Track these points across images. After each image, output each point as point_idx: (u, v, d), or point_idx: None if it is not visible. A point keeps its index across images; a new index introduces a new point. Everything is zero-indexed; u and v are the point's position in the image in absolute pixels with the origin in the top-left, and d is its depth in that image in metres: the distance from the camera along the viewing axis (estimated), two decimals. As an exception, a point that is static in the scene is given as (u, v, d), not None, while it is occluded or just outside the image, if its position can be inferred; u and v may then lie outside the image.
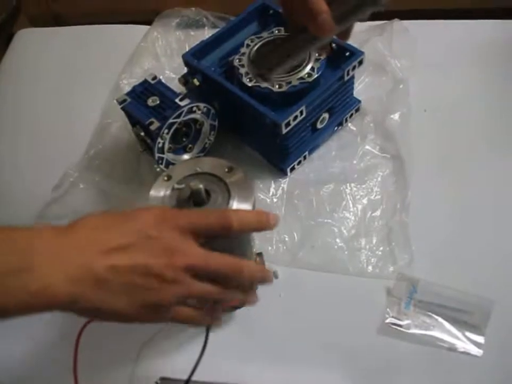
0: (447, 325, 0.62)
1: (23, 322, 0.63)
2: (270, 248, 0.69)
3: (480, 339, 0.61)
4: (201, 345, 0.55)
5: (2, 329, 0.65)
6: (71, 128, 0.84)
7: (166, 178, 0.52)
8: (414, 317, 0.63)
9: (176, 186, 0.50)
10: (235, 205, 0.50)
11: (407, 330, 0.62)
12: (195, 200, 0.50)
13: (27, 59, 0.98)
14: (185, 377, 0.53)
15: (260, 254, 0.63)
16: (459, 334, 0.62)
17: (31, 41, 1.01)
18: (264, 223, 0.47)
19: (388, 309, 0.63)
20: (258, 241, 0.68)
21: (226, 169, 0.52)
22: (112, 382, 0.61)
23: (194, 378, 0.54)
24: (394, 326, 0.63)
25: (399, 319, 0.63)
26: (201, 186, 0.48)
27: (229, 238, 0.48)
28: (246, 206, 0.50)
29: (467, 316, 0.62)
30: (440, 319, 0.63)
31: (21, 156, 0.83)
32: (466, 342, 0.61)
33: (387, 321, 0.63)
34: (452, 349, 0.61)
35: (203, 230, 0.45)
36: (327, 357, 0.62)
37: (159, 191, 0.51)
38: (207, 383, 0.58)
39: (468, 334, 0.62)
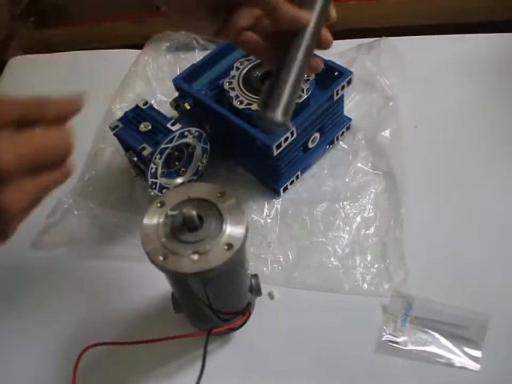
0: (443, 340, 0.62)
1: (22, 349, 0.65)
2: (265, 269, 0.69)
3: (477, 353, 0.61)
4: (198, 369, 0.56)
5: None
6: (64, 154, 0.85)
7: (159, 205, 0.52)
8: (410, 333, 0.63)
9: (170, 213, 0.51)
10: (228, 229, 0.50)
11: (404, 347, 0.62)
12: (188, 226, 0.50)
13: (20, 86, 0.99)
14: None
15: (255, 276, 0.63)
16: (456, 349, 0.62)
17: (23, 68, 1.02)
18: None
19: (384, 327, 0.63)
20: (253, 262, 0.68)
21: (218, 194, 0.52)
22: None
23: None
24: (391, 343, 0.63)
25: (395, 336, 0.63)
26: (194, 212, 0.49)
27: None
28: (239, 230, 0.50)
29: (463, 330, 0.63)
30: (436, 335, 0.63)
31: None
32: (463, 357, 0.61)
33: (384, 338, 0.63)
34: (450, 364, 0.61)
35: None
36: (325, 376, 0.61)
37: (153, 218, 0.51)
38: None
39: (465, 349, 0.62)
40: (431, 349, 0.62)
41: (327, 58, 0.74)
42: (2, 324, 0.69)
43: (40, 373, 0.64)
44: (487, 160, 0.77)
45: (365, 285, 0.67)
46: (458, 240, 0.70)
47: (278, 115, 0.47)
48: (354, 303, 0.66)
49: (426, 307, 0.64)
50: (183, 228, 0.50)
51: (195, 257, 0.48)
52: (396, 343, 0.63)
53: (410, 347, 0.62)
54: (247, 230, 0.50)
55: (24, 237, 0.75)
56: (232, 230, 0.50)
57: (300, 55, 0.48)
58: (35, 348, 0.66)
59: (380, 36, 0.91)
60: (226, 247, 0.49)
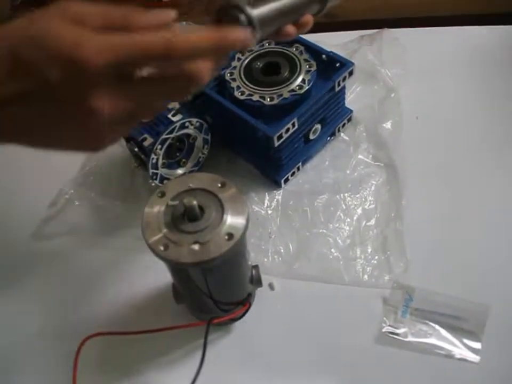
0: (443, 332, 0.62)
1: (22, 339, 0.65)
2: (265, 260, 0.69)
3: (477, 345, 0.61)
4: (198, 360, 0.56)
5: None
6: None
7: (160, 195, 0.52)
8: (410, 325, 0.63)
9: (170, 203, 0.51)
10: (229, 219, 0.50)
11: (404, 339, 0.62)
12: (189, 216, 0.50)
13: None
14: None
15: (255, 267, 0.64)
16: (456, 340, 0.62)
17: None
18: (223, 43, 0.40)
19: (384, 318, 0.64)
20: (254, 253, 0.68)
21: (219, 185, 0.52)
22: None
23: (192, 393, 0.54)
24: (391, 335, 0.63)
25: (396, 328, 0.63)
26: (194, 202, 0.49)
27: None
28: (240, 221, 0.50)
29: (463, 322, 0.63)
30: (437, 327, 0.63)
31: (15, 173, 0.83)
32: (463, 349, 0.61)
33: (384, 330, 0.63)
34: (449, 356, 0.61)
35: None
36: (326, 367, 0.62)
37: (153, 208, 0.51)
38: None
39: (465, 340, 0.62)
40: (431, 340, 0.62)
41: (328, 49, 0.74)
42: (2, 313, 0.69)
43: (41, 362, 0.64)
44: (488, 151, 0.77)
45: (366, 276, 0.67)
46: (458, 232, 0.70)
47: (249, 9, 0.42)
48: (355, 295, 0.66)
49: (427, 298, 0.64)
50: (184, 218, 0.50)
51: (196, 247, 0.48)
52: (396, 334, 0.63)
53: (410, 339, 0.62)
54: (247, 220, 0.50)
55: (26, 226, 0.75)
56: (232, 220, 0.50)
57: None
58: (36, 337, 0.66)
59: (381, 27, 0.90)
60: (227, 237, 0.49)
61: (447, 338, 0.62)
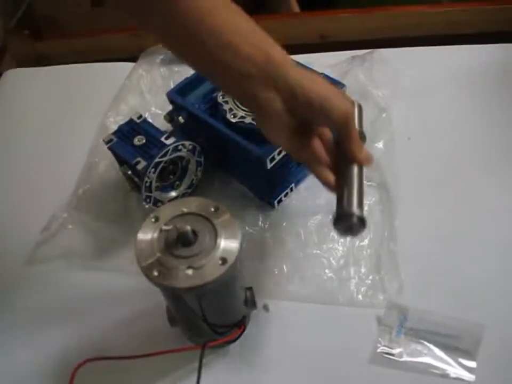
0: (438, 351, 0.62)
1: (16, 364, 0.65)
2: (260, 281, 0.69)
3: (472, 364, 0.61)
4: (194, 383, 0.56)
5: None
6: (58, 168, 0.85)
7: (153, 219, 0.52)
8: (405, 345, 0.63)
9: (164, 228, 0.51)
10: (222, 244, 0.50)
11: (399, 359, 0.62)
12: (183, 241, 0.50)
13: (14, 99, 0.99)
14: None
15: (250, 289, 0.63)
16: (451, 360, 0.62)
17: (18, 81, 1.02)
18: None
19: (379, 338, 0.64)
20: (248, 275, 0.68)
21: (212, 209, 0.52)
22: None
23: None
24: (386, 355, 0.63)
25: (390, 348, 0.63)
26: (188, 227, 0.49)
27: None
28: (233, 244, 0.50)
29: (458, 341, 0.63)
30: (431, 346, 0.63)
31: (8, 197, 0.83)
32: (458, 368, 0.61)
33: (379, 350, 0.63)
34: (444, 375, 0.61)
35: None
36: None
37: (147, 233, 0.51)
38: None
39: (459, 359, 0.62)
40: (426, 360, 0.62)
41: (320, 71, 0.75)
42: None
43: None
44: (480, 171, 0.78)
45: (360, 297, 0.67)
46: (452, 251, 0.70)
47: (354, 208, 0.54)
48: (349, 315, 0.66)
49: (421, 318, 0.64)
50: (178, 243, 0.50)
51: (189, 272, 0.49)
52: (391, 354, 0.63)
53: (405, 358, 0.62)
54: (241, 244, 0.50)
55: (19, 250, 0.75)
56: (226, 244, 0.50)
57: (354, 172, 0.56)
58: (29, 363, 0.65)
59: (372, 47, 0.91)
60: (220, 262, 0.49)
61: (442, 357, 0.62)
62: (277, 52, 0.52)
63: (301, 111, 0.53)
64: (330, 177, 0.56)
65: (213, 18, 0.51)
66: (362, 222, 0.54)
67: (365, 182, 0.74)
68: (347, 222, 0.54)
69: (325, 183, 0.57)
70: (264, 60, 0.51)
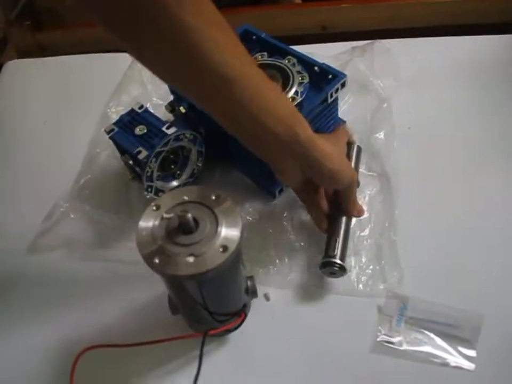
0: (438, 340, 0.63)
1: (18, 352, 0.65)
2: (260, 270, 0.69)
3: (472, 353, 0.62)
4: (194, 371, 0.56)
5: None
6: (60, 158, 0.85)
7: (154, 208, 0.52)
8: (405, 333, 0.63)
9: (165, 216, 0.51)
10: (223, 232, 0.50)
11: (399, 347, 0.63)
12: (184, 229, 0.50)
13: (15, 90, 0.99)
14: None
15: (251, 277, 0.64)
16: (451, 349, 0.62)
17: (19, 72, 1.02)
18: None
19: (379, 327, 0.64)
20: (249, 264, 0.68)
21: (213, 197, 0.52)
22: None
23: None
24: (386, 344, 0.63)
25: (391, 337, 0.63)
26: (189, 215, 0.49)
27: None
28: (234, 233, 0.51)
29: (458, 330, 0.63)
30: (431, 335, 0.63)
31: (9, 187, 0.83)
32: (458, 357, 0.62)
33: (379, 339, 0.63)
34: (444, 364, 0.61)
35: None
36: (322, 377, 0.62)
37: (148, 221, 0.51)
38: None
39: (459, 348, 0.62)
40: (426, 349, 0.62)
41: (321, 61, 0.75)
42: (-1, 325, 0.69)
43: (37, 376, 0.64)
44: (481, 161, 0.78)
45: (360, 286, 0.67)
46: (452, 241, 0.70)
47: (337, 259, 0.65)
48: (350, 304, 0.66)
49: (421, 307, 0.65)
50: (179, 231, 0.50)
51: (191, 259, 0.49)
52: (391, 343, 0.63)
53: (405, 347, 0.63)
54: (242, 232, 0.51)
55: (21, 240, 0.75)
56: (227, 232, 0.50)
57: (344, 223, 0.68)
58: (31, 350, 0.66)
59: (373, 38, 0.91)
60: (221, 249, 0.49)
61: (442, 346, 0.62)
62: (304, 131, 0.57)
63: (314, 178, 0.62)
64: (324, 224, 0.68)
65: (258, 96, 0.55)
66: (343, 269, 0.65)
67: (366, 173, 0.77)
68: (330, 268, 0.66)
69: (319, 227, 0.69)
70: (292, 140, 0.56)
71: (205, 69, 0.51)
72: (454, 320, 0.63)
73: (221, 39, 0.52)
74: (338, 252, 0.66)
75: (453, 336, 0.63)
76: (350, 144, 0.73)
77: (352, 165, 0.72)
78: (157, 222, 0.51)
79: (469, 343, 0.62)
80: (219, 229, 0.50)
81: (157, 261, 0.49)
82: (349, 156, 0.73)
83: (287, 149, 0.57)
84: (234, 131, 0.58)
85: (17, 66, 1.04)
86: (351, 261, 0.69)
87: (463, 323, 0.63)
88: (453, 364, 0.61)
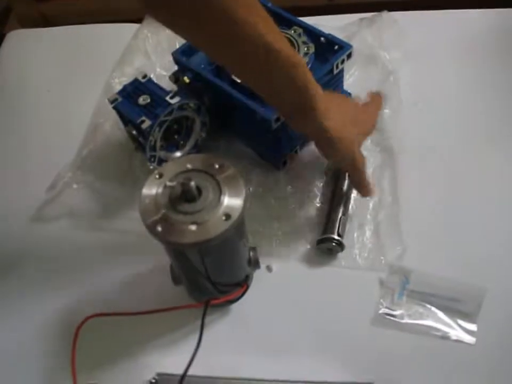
0: (440, 314, 0.63)
1: (22, 320, 0.66)
2: (263, 242, 0.69)
3: (473, 327, 0.62)
4: (196, 340, 0.56)
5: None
6: (63, 128, 0.85)
7: (157, 176, 0.52)
8: (407, 307, 0.64)
9: (168, 184, 0.51)
10: (226, 200, 0.50)
11: (401, 320, 0.63)
12: (187, 197, 0.50)
13: (18, 60, 0.98)
14: (181, 372, 0.54)
15: (253, 249, 0.64)
16: (452, 322, 0.62)
17: (22, 42, 1.01)
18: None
19: (381, 300, 0.64)
20: (252, 235, 0.68)
21: (217, 166, 0.52)
22: (109, 377, 0.61)
23: (190, 373, 0.55)
24: (388, 317, 0.63)
25: (392, 310, 0.64)
26: (192, 183, 0.49)
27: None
28: (237, 202, 0.50)
29: (459, 304, 0.63)
30: (433, 308, 0.63)
31: (13, 157, 0.83)
32: (459, 330, 0.62)
33: (381, 311, 0.63)
34: (445, 337, 0.62)
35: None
36: (323, 349, 0.62)
37: (151, 189, 0.51)
38: (202, 377, 0.59)
39: (460, 322, 0.62)
40: (427, 322, 0.63)
41: (327, 32, 0.74)
42: (3, 295, 0.69)
43: (40, 343, 0.65)
44: (486, 138, 0.77)
45: (363, 259, 0.67)
46: (454, 215, 0.70)
47: (335, 234, 0.67)
48: (352, 277, 0.67)
49: (423, 281, 0.65)
50: (182, 199, 0.50)
51: (193, 227, 0.49)
52: (393, 316, 0.63)
53: (406, 320, 0.63)
54: (245, 201, 0.50)
55: (24, 210, 0.75)
56: (230, 200, 0.50)
57: (343, 199, 0.70)
58: (35, 319, 0.66)
59: (381, 10, 0.90)
60: (224, 218, 0.49)
61: (443, 320, 0.63)
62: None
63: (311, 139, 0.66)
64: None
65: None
66: (340, 245, 0.66)
67: (371, 147, 0.76)
68: (328, 244, 0.66)
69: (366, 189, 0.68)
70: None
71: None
72: (456, 294, 0.64)
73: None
74: (335, 228, 0.67)
75: (455, 310, 0.63)
76: None
77: None
78: (160, 190, 0.51)
79: (470, 317, 0.62)
80: (222, 197, 0.50)
81: (159, 229, 0.49)
82: None
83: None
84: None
85: (20, 36, 1.03)
86: (353, 235, 0.69)
87: (465, 297, 0.63)
88: (453, 337, 0.62)
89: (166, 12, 0.51)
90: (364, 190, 0.68)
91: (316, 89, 0.56)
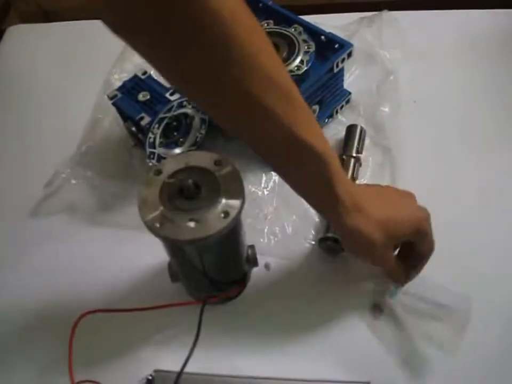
0: (427, 317, 0.63)
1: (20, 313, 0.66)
2: (261, 240, 0.69)
3: (459, 338, 0.61)
4: (193, 338, 0.56)
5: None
6: (62, 124, 0.84)
7: (156, 173, 0.52)
8: (400, 303, 0.63)
9: (166, 181, 0.51)
10: (225, 197, 0.50)
11: (394, 316, 0.63)
12: (185, 194, 0.50)
13: (18, 55, 0.98)
14: (178, 369, 0.54)
15: (251, 246, 0.64)
16: (439, 328, 0.62)
17: (22, 37, 1.01)
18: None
19: (374, 297, 0.64)
20: (250, 233, 0.68)
21: (216, 163, 0.52)
22: (106, 374, 0.61)
23: (187, 370, 0.55)
24: (381, 313, 0.64)
25: (385, 305, 0.64)
26: (190, 180, 0.49)
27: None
28: (236, 198, 0.50)
29: (448, 311, 0.62)
30: (423, 306, 0.63)
31: (12, 152, 0.83)
32: (446, 336, 0.61)
33: (375, 307, 0.64)
34: (431, 338, 0.61)
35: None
36: (320, 347, 0.62)
37: (150, 186, 0.51)
38: (199, 374, 0.59)
39: (447, 327, 0.62)
40: (418, 319, 0.62)
41: (327, 30, 0.74)
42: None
43: (36, 339, 0.65)
44: (486, 137, 0.77)
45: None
46: (453, 216, 0.69)
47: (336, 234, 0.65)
48: (348, 273, 0.67)
49: (416, 282, 0.64)
50: (180, 196, 0.50)
51: (192, 224, 0.49)
52: (390, 314, 0.63)
53: (400, 315, 0.63)
54: (244, 198, 0.50)
55: (23, 205, 0.75)
56: (229, 198, 0.50)
57: None
58: (31, 314, 0.66)
59: (381, 9, 0.90)
60: (223, 215, 0.49)
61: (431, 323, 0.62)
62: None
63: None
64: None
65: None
66: (340, 245, 0.65)
67: (370, 146, 0.76)
68: (329, 244, 0.66)
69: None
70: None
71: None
72: (446, 300, 0.63)
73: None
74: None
75: (443, 315, 0.62)
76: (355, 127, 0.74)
77: (355, 145, 0.73)
78: (158, 187, 0.51)
79: (458, 326, 0.62)
80: (221, 194, 0.50)
81: (158, 225, 0.49)
82: (350, 138, 0.74)
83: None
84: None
85: (20, 31, 1.03)
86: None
87: (454, 305, 0.62)
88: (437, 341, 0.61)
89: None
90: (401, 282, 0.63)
91: (343, 184, 0.52)
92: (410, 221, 0.58)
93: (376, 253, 0.57)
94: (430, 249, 0.61)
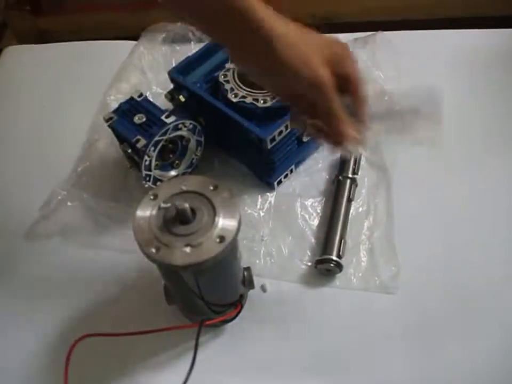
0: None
1: (14, 339, 0.65)
2: (257, 261, 0.69)
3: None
4: (190, 361, 0.56)
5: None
6: (58, 145, 0.84)
7: (152, 197, 0.52)
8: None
9: (162, 205, 0.51)
10: (220, 222, 0.50)
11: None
12: (181, 218, 0.50)
13: (14, 76, 0.98)
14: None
15: (247, 268, 0.64)
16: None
17: (18, 58, 1.01)
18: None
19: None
20: (246, 255, 0.68)
21: (211, 187, 0.52)
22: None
23: (183, 395, 0.54)
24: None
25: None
26: (186, 205, 0.49)
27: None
28: (231, 224, 0.50)
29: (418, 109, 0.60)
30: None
31: (8, 173, 0.83)
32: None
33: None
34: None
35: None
36: (316, 371, 0.62)
37: (146, 211, 0.51)
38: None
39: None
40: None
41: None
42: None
43: (32, 363, 0.64)
44: (480, 156, 0.78)
45: (357, 280, 0.67)
46: (449, 235, 0.70)
47: (334, 255, 0.67)
48: (346, 297, 0.66)
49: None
50: (176, 221, 0.50)
51: (187, 249, 0.49)
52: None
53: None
54: (239, 223, 0.50)
55: (18, 227, 0.75)
56: (224, 222, 0.50)
57: (341, 220, 0.70)
58: (28, 338, 0.66)
59: (375, 30, 0.91)
60: (218, 240, 0.49)
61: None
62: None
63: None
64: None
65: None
66: (339, 267, 0.66)
67: (365, 166, 0.77)
68: (327, 265, 0.66)
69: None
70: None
71: None
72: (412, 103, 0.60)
73: None
74: (335, 248, 0.67)
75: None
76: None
77: (351, 166, 0.74)
78: (154, 212, 0.51)
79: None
80: (216, 219, 0.50)
81: (153, 250, 0.49)
82: (346, 160, 0.74)
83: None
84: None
85: (16, 52, 1.03)
86: (348, 255, 0.69)
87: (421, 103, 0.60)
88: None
89: None
90: (343, 132, 0.52)
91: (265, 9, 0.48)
92: (331, 40, 0.57)
93: (318, 72, 0.50)
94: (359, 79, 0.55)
